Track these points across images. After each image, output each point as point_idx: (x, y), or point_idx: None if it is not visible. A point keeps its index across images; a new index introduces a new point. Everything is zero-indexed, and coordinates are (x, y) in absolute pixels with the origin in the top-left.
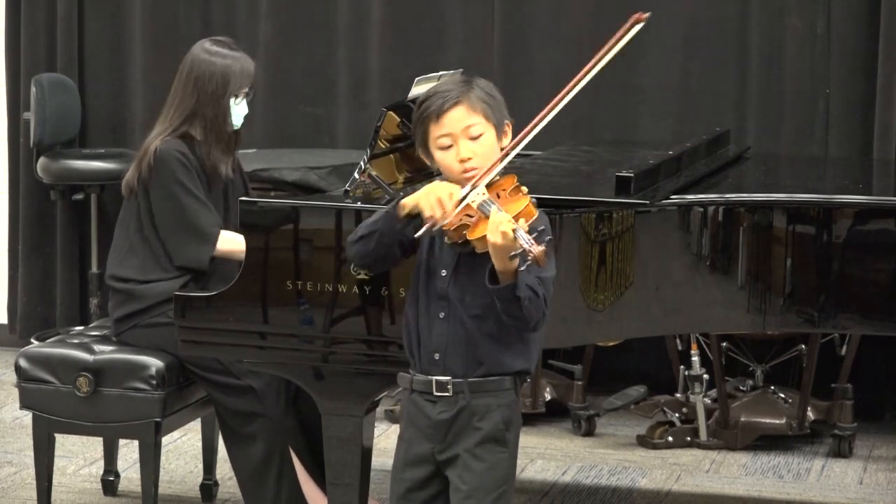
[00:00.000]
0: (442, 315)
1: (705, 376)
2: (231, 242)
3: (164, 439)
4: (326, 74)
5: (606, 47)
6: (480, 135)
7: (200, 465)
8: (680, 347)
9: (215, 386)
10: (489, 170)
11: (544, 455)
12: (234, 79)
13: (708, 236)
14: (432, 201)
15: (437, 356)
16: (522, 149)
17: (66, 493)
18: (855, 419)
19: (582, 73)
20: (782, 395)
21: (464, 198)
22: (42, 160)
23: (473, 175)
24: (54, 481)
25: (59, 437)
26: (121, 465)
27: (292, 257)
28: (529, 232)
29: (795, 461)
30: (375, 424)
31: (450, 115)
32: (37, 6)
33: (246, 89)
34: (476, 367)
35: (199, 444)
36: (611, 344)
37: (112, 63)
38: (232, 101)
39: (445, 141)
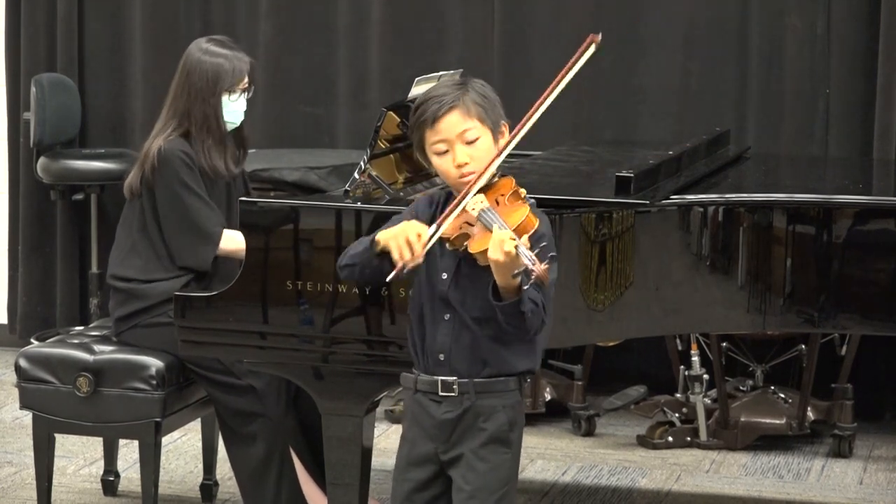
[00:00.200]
0: (447, 317)
1: (705, 376)
2: (233, 241)
3: (164, 439)
4: (326, 74)
5: (565, 70)
6: (476, 139)
7: (200, 465)
8: (680, 347)
9: (215, 386)
10: (473, 183)
11: (544, 455)
12: (225, 76)
13: (708, 236)
14: (400, 243)
15: (441, 357)
16: (522, 149)
17: (66, 493)
18: (855, 419)
19: (542, 98)
20: (782, 395)
21: (431, 237)
22: (42, 160)
23: (471, 180)
24: (54, 481)
25: (59, 437)
26: (121, 465)
27: (292, 257)
28: (532, 248)
29: (795, 461)
30: (375, 424)
31: (445, 121)
32: (37, 6)
33: (242, 86)
34: (481, 368)
35: (199, 444)
36: (611, 344)
37: (112, 63)
38: (225, 98)
39: (441, 146)
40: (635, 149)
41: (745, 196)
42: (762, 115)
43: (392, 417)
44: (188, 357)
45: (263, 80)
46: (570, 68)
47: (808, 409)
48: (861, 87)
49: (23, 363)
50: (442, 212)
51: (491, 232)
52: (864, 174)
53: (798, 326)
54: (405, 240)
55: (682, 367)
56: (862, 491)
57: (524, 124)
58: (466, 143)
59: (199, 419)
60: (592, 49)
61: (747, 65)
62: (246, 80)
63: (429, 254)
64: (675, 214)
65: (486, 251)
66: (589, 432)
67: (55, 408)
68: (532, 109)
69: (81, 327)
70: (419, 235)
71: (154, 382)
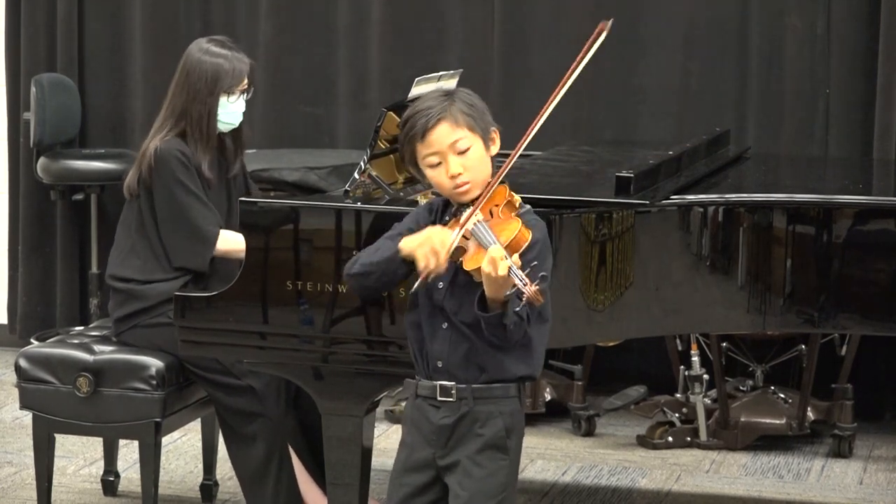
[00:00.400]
0: (445, 326)
1: (705, 376)
2: (230, 242)
3: (164, 439)
4: (326, 74)
5: (579, 57)
6: (468, 148)
7: (200, 465)
8: (680, 347)
9: (215, 386)
10: (482, 196)
11: (544, 455)
12: (225, 77)
13: (708, 236)
14: (426, 251)
15: (440, 363)
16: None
17: (66, 493)
18: (855, 419)
19: (559, 86)
20: (782, 395)
21: (453, 242)
22: (42, 160)
23: (466, 190)
24: (54, 481)
25: (59, 437)
26: (121, 465)
27: (292, 257)
28: (523, 266)
29: (795, 461)
30: (375, 424)
31: (435, 133)
32: (37, 6)
33: (242, 87)
34: (479, 374)
35: (199, 444)
36: (611, 344)
37: (112, 63)
38: (223, 99)
39: (434, 159)
40: (635, 149)
41: (745, 196)
42: (762, 115)
43: (392, 417)
44: (188, 358)
45: (263, 80)
46: (583, 58)
47: (808, 409)
48: (861, 87)
49: (23, 363)
50: (441, 218)
51: (484, 249)
52: (864, 174)
53: (798, 326)
54: (431, 248)
55: (682, 367)
56: (862, 491)
57: (542, 114)
58: (458, 154)
59: (199, 419)
60: (603, 37)
61: (747, 65)
62: (245, 81)
63: None
64: (675, 214)
65: (479, 269)
66: (589, 432)
67: (55, 408)
68: (547, 102)
69: (81, 327)
70: (443, 242)
71: (154, 382)
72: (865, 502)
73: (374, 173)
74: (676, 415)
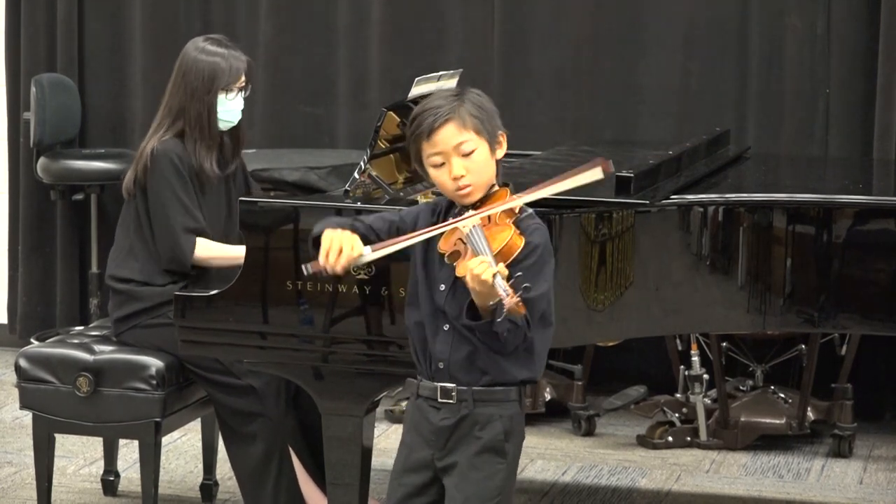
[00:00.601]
0: (446, 328)
1: (705, 376)
2: (213, 250)
3: (164, 439)
4: (326, 74)
5: (566, 180)
6: (473, 151)
7: (200, 465)
8: (680, 347)
9: (215, 386)
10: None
11: (544, 455)
12: (222, 75)
13: (708, 236)
14: (332, 247)
15: (441, 365)
16: (522, 149)
17: (66, 493)
18: (855, 419)
19: (536, 191)
20: (782, 395)
21: (359, 259)
22: (42, 160)
23: (468, 192)
24: (54, 481)
25: (59, 437)
26: (121, 465)
27: (292, 257)
28: (509, 278)
29: (795, 461)
30: (375, 424)
31: (441, 133)
32: (37, 6)
33: (239, 85)
34: (480, 377)
35: (199, 444)
36: (611, 344)
37: (112, 63)
38: (222, 97)
39: (438, 159)
40: (635, 149)
41: (745, 196)
42: (762, 115)
43: (392, 417)
44: (188, 357)
45: (263, 79)
46: (568, 181)
47: (808, 409)
48: (861, 87)
49: (23, 363)
50: (445, 219)
51: (477, 255)
52: (864, 174)
53: (798, 326)
54: (338, 247)
55: (682, 367)
56: (862, 491)
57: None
58: (462, 156)
59: (199, 419)
60: (600, 175)
61: (747, 65)
62: (243, 79)
63: (428, 265)
64: (675, 214)
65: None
66: (589, 432)
67: (55, 408)
68: (522, 195)
69: (81, 327)
70: (352, 248)
71: (154, 382)
72: (865, 502)
73: (374, 173)
74: (676, 415)
